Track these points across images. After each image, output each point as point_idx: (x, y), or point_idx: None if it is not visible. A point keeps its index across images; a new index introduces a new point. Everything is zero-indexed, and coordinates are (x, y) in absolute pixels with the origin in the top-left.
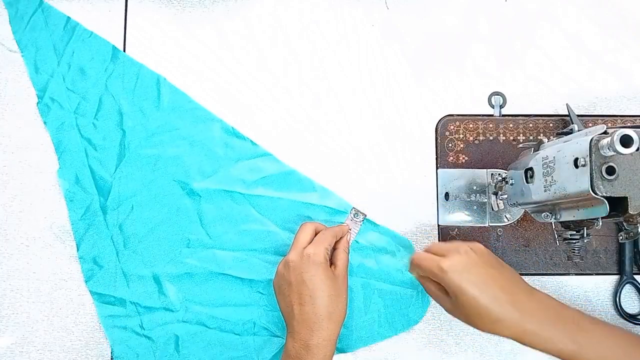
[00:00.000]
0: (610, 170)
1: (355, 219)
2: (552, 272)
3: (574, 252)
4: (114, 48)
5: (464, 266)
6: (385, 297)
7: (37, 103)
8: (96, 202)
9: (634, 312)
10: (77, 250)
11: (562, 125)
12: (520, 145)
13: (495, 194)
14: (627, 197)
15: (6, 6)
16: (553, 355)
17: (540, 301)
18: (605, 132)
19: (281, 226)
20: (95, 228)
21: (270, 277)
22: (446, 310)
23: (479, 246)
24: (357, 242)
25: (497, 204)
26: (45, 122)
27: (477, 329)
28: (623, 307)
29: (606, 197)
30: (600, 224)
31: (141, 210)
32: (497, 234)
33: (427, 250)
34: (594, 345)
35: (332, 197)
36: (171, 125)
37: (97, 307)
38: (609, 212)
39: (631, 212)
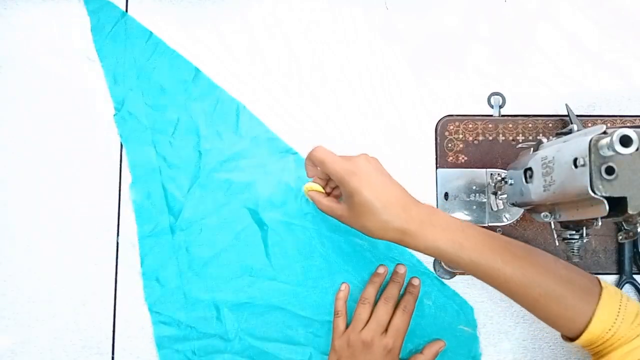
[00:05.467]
0: (610, 170)
1: None
2: None
3: (573, 252)
4: (197, 69)
5: (367, 171)
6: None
7: (114, 115)
8: (165, 221)
9: None
10: (141, 266)
11: (561, 125)
12: (520, 145)
13: (495, 193)
14: (626, 197)
15: (89, 14)
16: (436, 256)
17: (426, 208)
18: (604, 132)
19: (345, 268)
20: (161, 246)
21: (327, 318)
22: (339, 218)
23: (374, 157)
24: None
25: (497, 203)
26: (120, 135)
27: (367, 232)
28: None
29: (605, 197)
30: (600, 223)
31: (209, 233)
32: None
33: (317, 153)
34: (474, 244)
35: (398, 248)
36: (247, 152)
37: (153, 326)
38: (608, 212)
39: (630, 212)
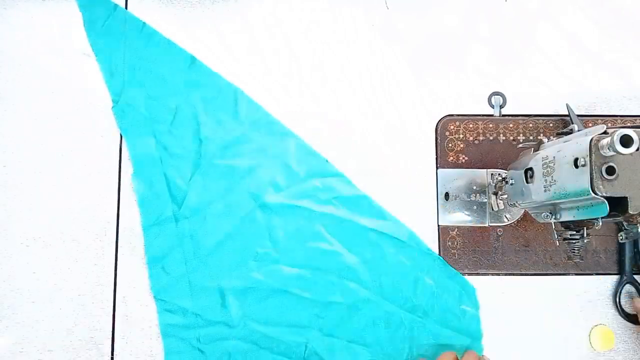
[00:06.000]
0: (610, 170)
1: None
2: (552, 272)
3: (574, 252)
4: (192, 57)
5: None
6: (437, 340)
7: (112, 107)
8: (169, 210)
9: (633, 312)
10: (146, 255)
11: (562, 125)
12: (520, 145)
13: (495, 194)
14: (627, 197)
15: (80, 9)
16: None
17: None
18: (605, 132)
19: (348, 248)
20: (166, 235)
21: (330, 299)
22: None
23: None
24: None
25: (497, 204)
26: (120, 127)
27: None
28: (623, 307)
29: (606, 197)
30: (600, 224)
31: (213, 220)
32: (497, 234)
33: None
34: None
35: (403, 229)
36: (247, 137)
37: (158, 314)
38: (609, 212)
39: (631, 212)
